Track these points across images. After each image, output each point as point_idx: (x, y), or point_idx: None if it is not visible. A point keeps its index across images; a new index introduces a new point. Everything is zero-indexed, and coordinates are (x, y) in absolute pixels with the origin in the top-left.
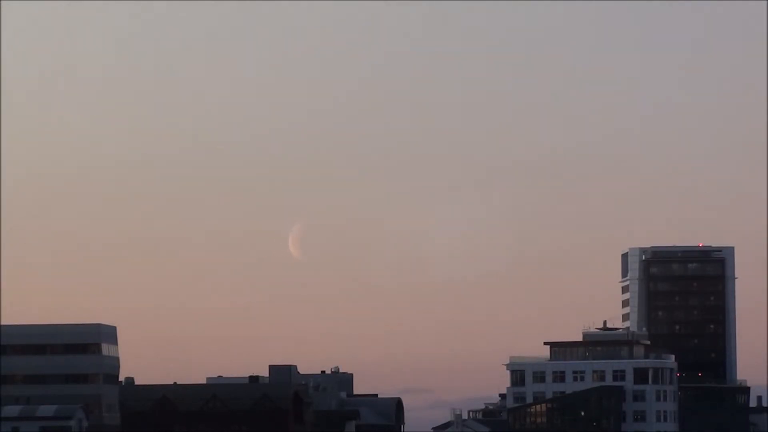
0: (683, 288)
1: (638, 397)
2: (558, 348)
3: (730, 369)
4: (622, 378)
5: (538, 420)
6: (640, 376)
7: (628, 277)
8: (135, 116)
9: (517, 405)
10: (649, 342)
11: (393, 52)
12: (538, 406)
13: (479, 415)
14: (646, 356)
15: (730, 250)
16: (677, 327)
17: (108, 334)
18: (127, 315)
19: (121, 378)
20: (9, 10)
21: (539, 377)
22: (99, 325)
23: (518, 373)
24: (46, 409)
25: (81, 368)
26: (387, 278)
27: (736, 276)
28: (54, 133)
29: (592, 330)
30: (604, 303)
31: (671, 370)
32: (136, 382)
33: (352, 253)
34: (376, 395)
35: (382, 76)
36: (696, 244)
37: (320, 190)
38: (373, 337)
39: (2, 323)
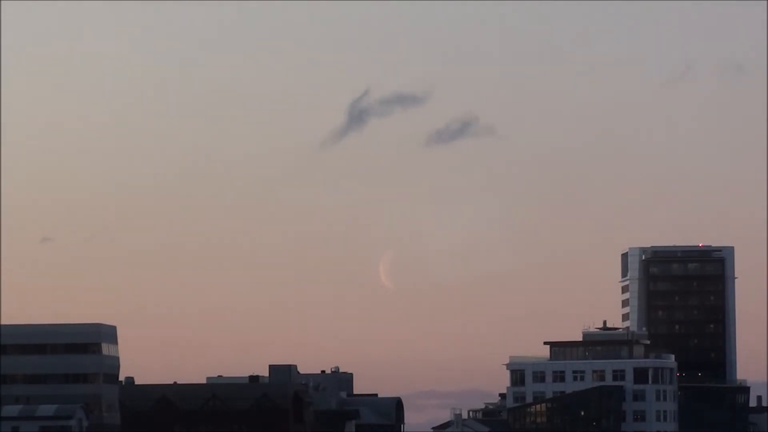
0: (683, 288)
1: (638, 396)
2: (558, 348)
3: (730, 369)
4: (622, 378)
5: (538, 420)
6: (640, 375)
7: (628, 277)
8: (143, 118)
9: (517, 405)
10: (649, 342)
11: (394, 52)
12: (538, 406)
13: (479, 415)
14: (646, 356)
15: (730, 250)
16: (677, 327)
17: (108, 334)
18: (127, 315)
19: (121, 378)
20: (9, 10)
21: (539, 377)
22: (99, 325)
23: (518, 373)
24: (46, 409)
25: (81, 368)
26: (387, 278)
27: (736, 276)
28: (55, 133)
29: (592, 330)
30: (604, 303)
31: (671, 369)
32: (136, 382)
33: (351, 253)
34: (376, 395)
35: (384, 76)
36: (696, 244)
37: (316, 192)
38: (373, 337)
39: (2, 323)
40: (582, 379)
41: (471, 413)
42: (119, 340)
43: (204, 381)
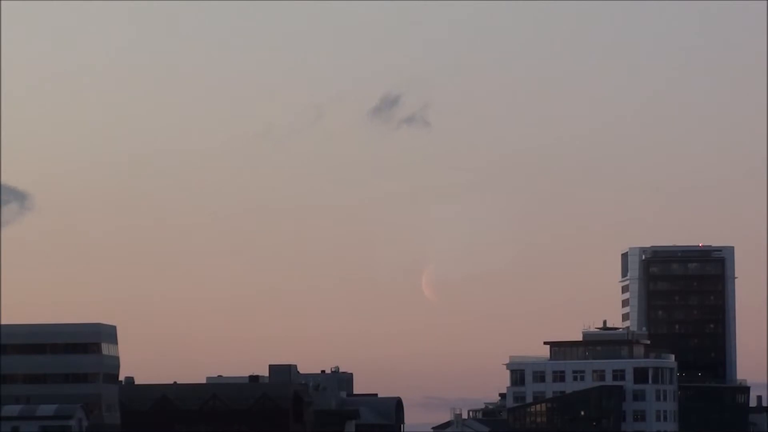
0: (683, 288)
1: (638, 396)
2: (558, 348)
3: (729, 369)
4: (622, 378)
5: (538, 420)
6: (640, 375)
7: (628, 277)
8: (142, 117)
9: (517, 405)
10: (649, 342)
11: (393, 52)
12: (538, 406)
13: (479, 415)
14: (646, 356)
15: (730, 250)
16: (677, 327)
17: (108, 333)
18: (127, 315)
19: (121, 378)
20: (9, 10)
21: (539, 377)
22: (99, 324)
23: (518, 373)
24: (46, 409)
25: (81, 368)
26: (387, 278)
27: (736, 276)
28: (55, 132)
29: (592, 330)
30: (604, 303)
31: (671, 369)
32: (136, 382)
33: (352, 253)
34: (376, 395)
35: (385, 75)
36: (696, 244)
37: (314, 192)
38: (373, 337)
39: (2, 323)
40: (582, 379)
41: (471, 413)
42: (119, 340)
43: (204, 381)
